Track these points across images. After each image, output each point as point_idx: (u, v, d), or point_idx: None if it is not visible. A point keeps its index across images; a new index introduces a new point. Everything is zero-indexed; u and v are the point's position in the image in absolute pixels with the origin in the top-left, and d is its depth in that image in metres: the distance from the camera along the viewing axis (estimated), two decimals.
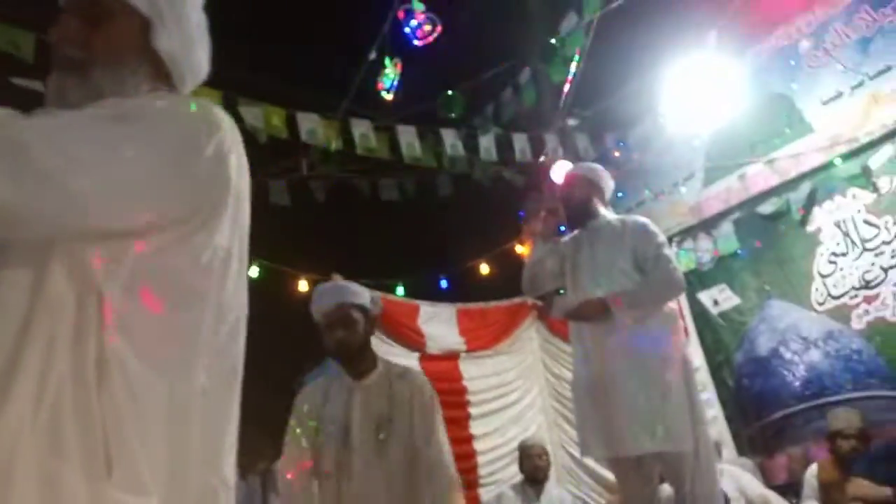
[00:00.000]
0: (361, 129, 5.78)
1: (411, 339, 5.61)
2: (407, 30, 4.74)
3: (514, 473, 5.36)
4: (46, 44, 1.16)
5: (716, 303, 6.12)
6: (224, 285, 1.09)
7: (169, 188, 1.02)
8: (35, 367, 0.91)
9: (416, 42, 4.77)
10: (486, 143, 6.39)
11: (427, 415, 2.65)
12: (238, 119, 5.06)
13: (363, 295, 2.75)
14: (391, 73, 5.05)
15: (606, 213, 3.31)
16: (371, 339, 2.77)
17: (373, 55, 5.12)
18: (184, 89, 1.24)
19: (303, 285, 6.09)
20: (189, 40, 1.21)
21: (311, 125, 5.51)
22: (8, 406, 0.88)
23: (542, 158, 6.71)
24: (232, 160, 1.10)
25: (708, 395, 5.77)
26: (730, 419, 5.77)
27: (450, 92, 5.98)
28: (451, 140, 6.28)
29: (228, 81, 5.38)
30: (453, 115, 6.10)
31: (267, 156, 5.86)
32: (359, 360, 2.70)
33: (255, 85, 5.50)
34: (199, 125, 1.07)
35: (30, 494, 0.87)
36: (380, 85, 5.16)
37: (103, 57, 1.13)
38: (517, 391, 6.00)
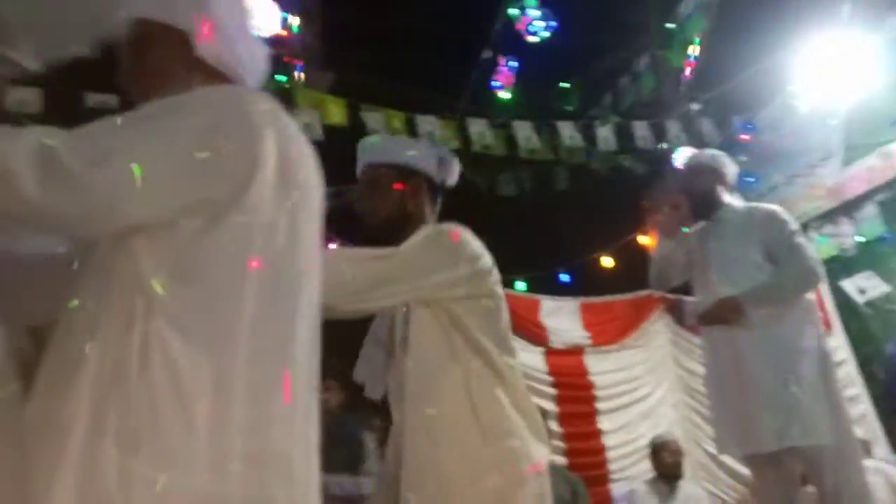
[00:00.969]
0: (478, 128, 5.87)
1: (534, 333, 5.60)
2: (520, 27, 4.76)
3: (644, 470, 5.26)
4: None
5: (862, 291, 5.72)
6: (268, 260, 1.13)
7: (191, 174, 1.10)
8: (94, 358, 1.04)
9: (529, 38, 4.78)
10: (605, 133, 6.29)
11: None
12: (361, 125, 5.31)
13: (402, 150, 1.99)
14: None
15: (732, 202, 3.19)
16: (424, 212, 2.00)
17: (487, 54, 5.18)
18: (245, 83, 1.33)
19: None
20: (229, 40, 1.30)
21: (430, 127, 5.66)
22: (70, 393, 1.03)
23: (663, 145, 6.52)
24: (268, 135, 1.15)
25: (856, 390, 5.42)
26: (883, 415, 5.39)
27: (565, 84, 5.95)
28: (568, 132, 6.24)
29: (351, 89, 5.63)
30: (570, 107, 6.06)
31: None
32: (394, 237, 1.89)
33: (375, 91, 5.71)
34: (225, 109, 1.15)
35: (71, 467, 1.00)
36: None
37: (155, 79, 1.27)
38: (646, 386, 5.87)
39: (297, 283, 1.19)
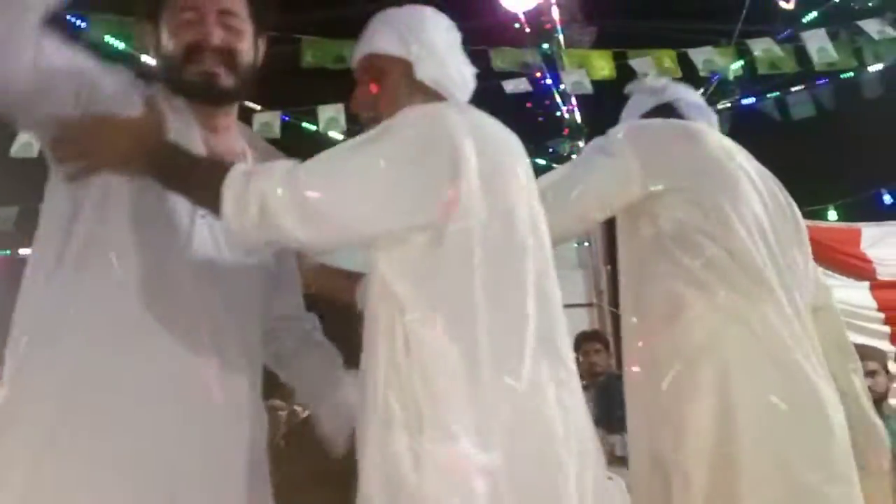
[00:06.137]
0: (762, 47, 5.36)
1: (856, 267, 5.07)
2: None
3: None
4: None
5: None
6: (489, 253, 1.27)
7: (405, 192, 1.27)
8: (373, 357, 1.27)
9: None
10: None
11: None
12: (630, 73, 5.14)
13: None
14: None
15: None
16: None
17: None
18: (456, 99, 1.48)
19: None
20: (441, 63, 1.46)
21: (705, 57, 5.29)
22: (367, 389, 1.26)
23: None
24: (466, 145, 1.27)
25: None
26: None
27: None
28: (874, 29, 5.39)
29: (615, 39, 5.48)
30: (871, 2, 5.23)
31: None
32: None
33: (641, 36, 5.49)
34: (425, 126, 1.30)
35: (372, 458, 1.21)
36: None
37: (388, 106, 1.43)
38: None
39: (521, 263, 1.32)
